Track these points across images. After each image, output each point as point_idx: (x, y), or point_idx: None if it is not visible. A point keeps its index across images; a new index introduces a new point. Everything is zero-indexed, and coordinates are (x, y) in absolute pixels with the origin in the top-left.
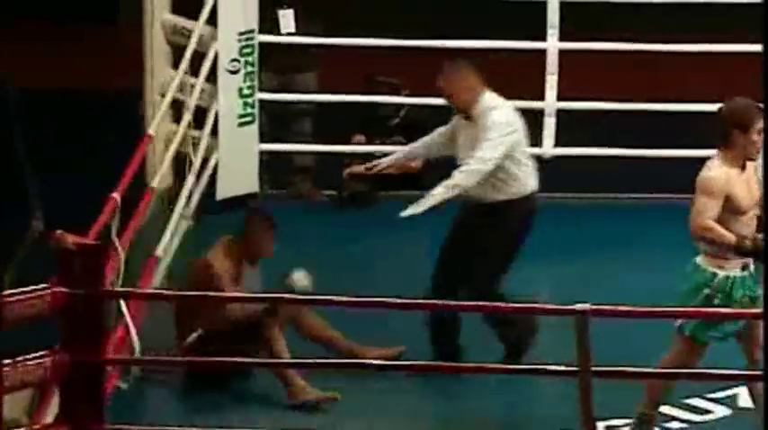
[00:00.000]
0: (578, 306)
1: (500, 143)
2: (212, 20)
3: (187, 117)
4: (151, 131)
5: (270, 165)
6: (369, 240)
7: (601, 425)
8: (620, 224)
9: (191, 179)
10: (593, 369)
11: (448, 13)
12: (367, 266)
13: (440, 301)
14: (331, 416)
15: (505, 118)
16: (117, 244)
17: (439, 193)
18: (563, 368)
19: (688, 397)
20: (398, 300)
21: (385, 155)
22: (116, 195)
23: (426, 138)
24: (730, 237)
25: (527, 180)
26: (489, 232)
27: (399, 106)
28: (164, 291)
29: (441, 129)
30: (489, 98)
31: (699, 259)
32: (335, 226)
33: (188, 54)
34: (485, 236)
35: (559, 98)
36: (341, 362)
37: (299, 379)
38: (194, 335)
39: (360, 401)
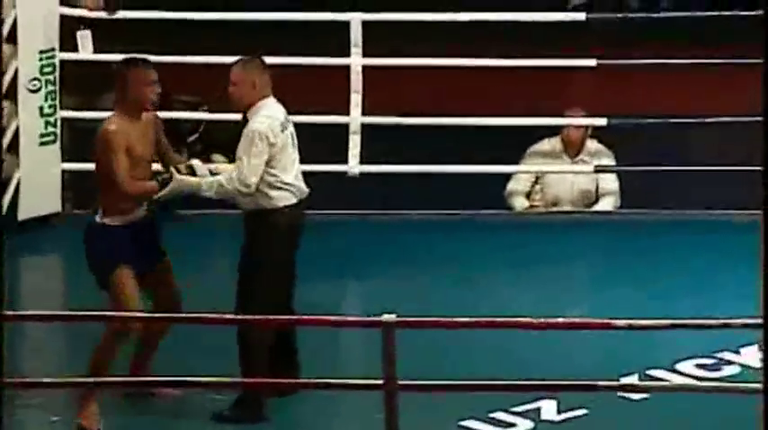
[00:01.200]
0: (384, 317)
1: (257, 164)
2: (12, 37)
3: None
4: None
5: (72, 185)
6: (182, 253)
7: None
8: (430, 240)
9: None
10: (400, 382)
11: (252, 31)
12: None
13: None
14: None
15: (265, 127)
16: None
17: (190, 184)
18: (369, 382)
19: (492, 410)
20: (199, 315)
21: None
22: None
23: None
24: None
25: (282, 193)
26: (247, 249)
27: (199, 122)
28: None
29: None
30: (267, 105)
31: None
32: None
33: None
34: (245, 253)
35: (366, 114)
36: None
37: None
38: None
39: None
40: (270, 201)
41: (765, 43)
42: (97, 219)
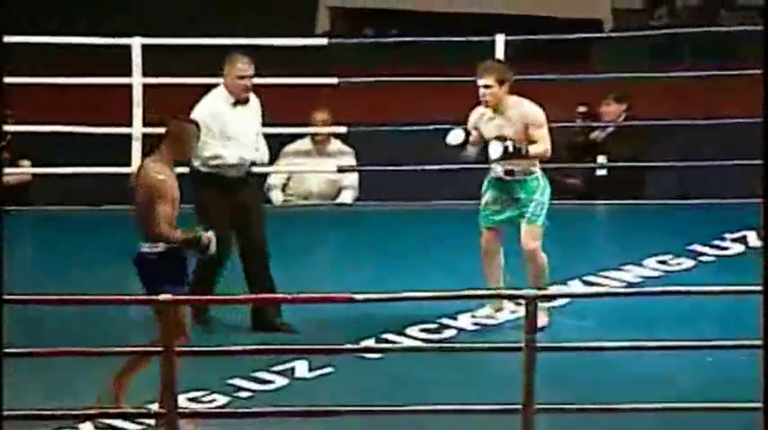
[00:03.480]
0: (162, 297)
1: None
2: None
3: None
4: None
5: None
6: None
7: (182, 397)
8: None
9: None
10: (177, 349)
11: (50, 52)
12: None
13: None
14: None
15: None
16: None
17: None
18: (150, 349)
19: (255, 370)
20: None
21: None
22: None
23: None
24: None
25: (213, 156)
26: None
27: (6, 132)
28: None
29: None
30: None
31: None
32: None
33: None
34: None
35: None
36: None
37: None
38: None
39: None
40: (206, 161)
41: (766, 45)
42: (150, 249)
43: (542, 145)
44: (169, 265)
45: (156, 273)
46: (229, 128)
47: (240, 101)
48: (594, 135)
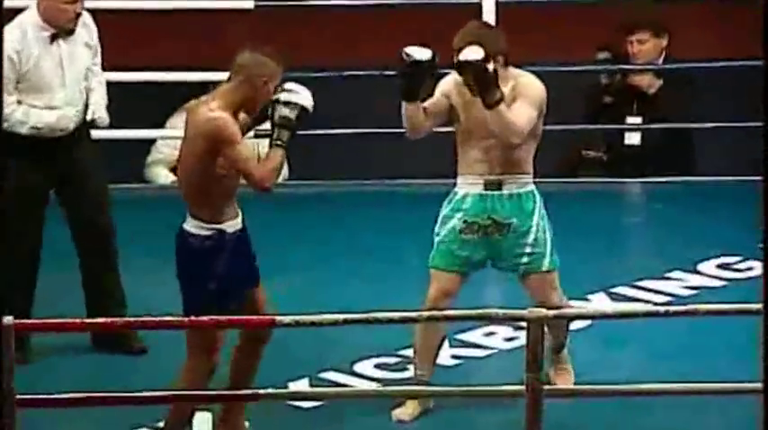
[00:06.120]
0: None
1: None
2: None
3: None
4: None
5: None
6: None
7: None
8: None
9: None
10: (19, 397)
11: None
12: None
13: None
14: None
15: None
16: None
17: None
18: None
19: (137, 426)
20: None
21: None
22: None
23: None
24: None
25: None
26: None
27: None
28: None
29: None
30: None
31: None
32: None
33: None
34: None
35: None
36: None
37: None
38: None
39: None
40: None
41: (765, 41)
42: (196, 230)
43: (519, 117)
44: (217, 254)
45: (204, 262)
46: (42, 73)
47: (61, 33)
48: (646, 83)
